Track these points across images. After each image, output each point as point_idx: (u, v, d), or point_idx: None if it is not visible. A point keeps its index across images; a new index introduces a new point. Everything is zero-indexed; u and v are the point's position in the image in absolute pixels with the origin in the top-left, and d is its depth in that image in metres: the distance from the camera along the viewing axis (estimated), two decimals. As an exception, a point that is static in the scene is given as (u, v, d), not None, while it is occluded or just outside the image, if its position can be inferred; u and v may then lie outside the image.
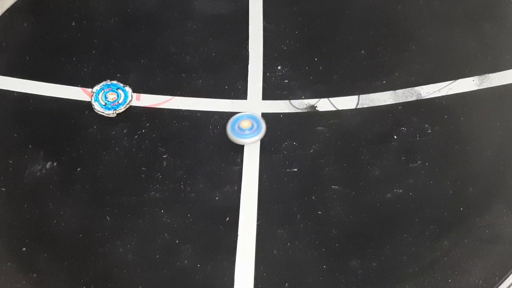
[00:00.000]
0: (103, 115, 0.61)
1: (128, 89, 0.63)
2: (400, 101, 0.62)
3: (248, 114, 0.61)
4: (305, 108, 0.63)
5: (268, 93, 0.64)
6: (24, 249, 0.54)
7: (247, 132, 0.59)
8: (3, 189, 0.58)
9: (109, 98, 0.62)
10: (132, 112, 0.63)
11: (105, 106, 0.62)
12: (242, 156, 0.59)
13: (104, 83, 0.63)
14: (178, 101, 0.63)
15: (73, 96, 0.63)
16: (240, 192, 0.57)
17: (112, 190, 0.57)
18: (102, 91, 0.62)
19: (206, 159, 0.59)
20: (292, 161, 0.59)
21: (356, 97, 0.63)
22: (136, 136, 0.61)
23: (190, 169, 0.59)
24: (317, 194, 0.57)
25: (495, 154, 0.59)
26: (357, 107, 0.62)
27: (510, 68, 0.64)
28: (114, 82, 0.63)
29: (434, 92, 0.63)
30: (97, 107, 0.61)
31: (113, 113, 0.61)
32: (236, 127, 0.60)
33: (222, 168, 0.59)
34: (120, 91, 0.63)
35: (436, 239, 0.54)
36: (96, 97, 0.62)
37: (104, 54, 0.67)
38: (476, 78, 0.63)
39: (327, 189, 0.57)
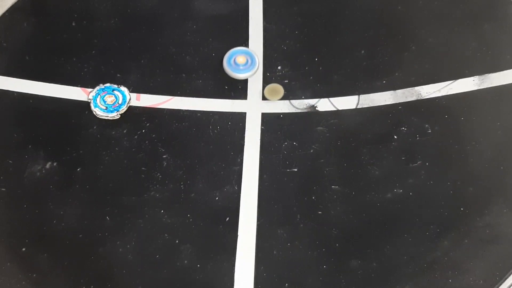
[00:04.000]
0: (108, 119, 0.61)
1: (123, 88, 0.63)
2: (400, 101, 0.62)
3: (244, 49, 0.62)
4: (305, 108, 0.63)
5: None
6: (24, 249, 0.54)
7: (241, 67, 0.61)
8: (3, 189, 0.58)
9: (108, 101, 0.62)
10: (132, 112, 0.62)
11: (106, 110, 0.61)
12: (242, 156, 0.59)
13: (98, 87, 0.63)
14: (178, 101, 0.63)
15: (73, 96, 0.63)
16: (240, 192, 0.57)
17: (112, 190, 0.57)
18: (99, 96, 0.62)
19: (206, 159, 0.59)
20: (292, 161, 0.59)
21: (356, 97, 0.63)
22: (136, 136, 0.61)
23: (190, 169, 0.59)
24: (317, 194, 0.57)
25: (495, 154, 0.59)
26: (357, 107, 0.62)
27: (510, 68, 0.64)
28: (108, 84, 0.63)
29: (434, 92, 0.63)
30: (99, 113, 0.61)
31: (116, 114, 0.61)
32: (232, 61, 0.61)
33: (222, 168, 0.59)
34: (116, 92, 0.63)
35: (436, 239, 0.54)
36: (95, 103, 0.61)
37: (104, 54, 0.67)
38: (476, 78, 0.63)
39: (327, 189, 0.57)
